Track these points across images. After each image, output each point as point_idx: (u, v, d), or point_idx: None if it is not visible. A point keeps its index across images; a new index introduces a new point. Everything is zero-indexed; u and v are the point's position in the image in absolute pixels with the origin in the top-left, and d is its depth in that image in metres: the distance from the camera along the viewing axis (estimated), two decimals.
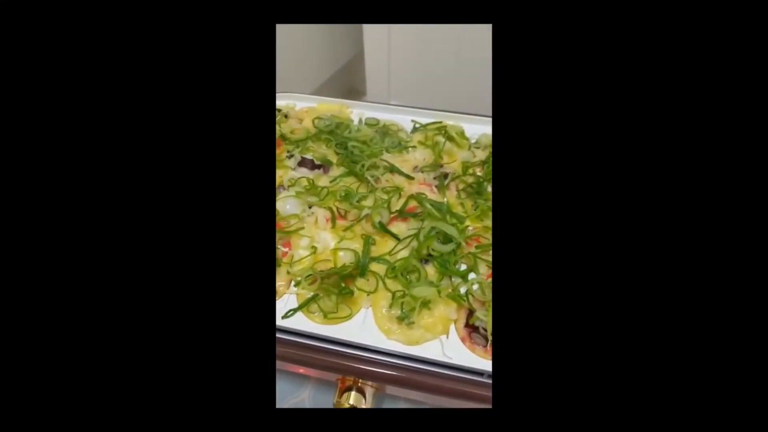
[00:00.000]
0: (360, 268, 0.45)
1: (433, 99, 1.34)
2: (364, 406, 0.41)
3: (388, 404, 0.49)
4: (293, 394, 0.50)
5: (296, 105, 0.66)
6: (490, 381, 0.38)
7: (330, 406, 0.43)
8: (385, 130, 0.60)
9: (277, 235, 0.48)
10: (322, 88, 1.60)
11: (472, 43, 1.12)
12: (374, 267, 0.45)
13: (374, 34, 1.28)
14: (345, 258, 0.46)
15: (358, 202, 0.50)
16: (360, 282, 0.45)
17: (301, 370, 0.47)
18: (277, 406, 0.49)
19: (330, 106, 0.65)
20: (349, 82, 1.77)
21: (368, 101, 1.45)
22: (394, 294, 0.43)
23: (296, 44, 1.38)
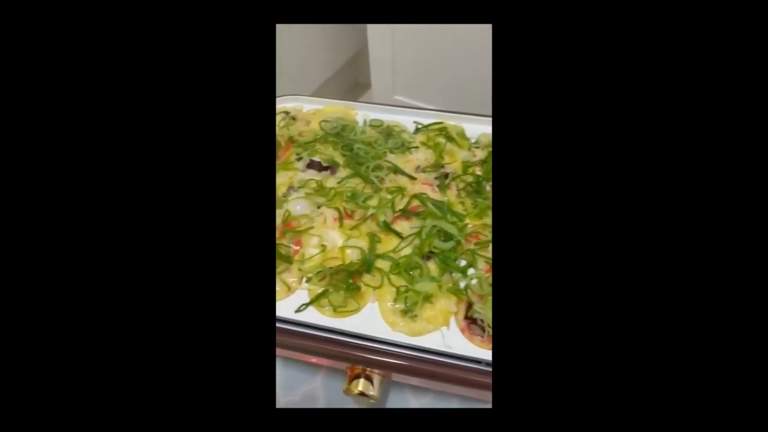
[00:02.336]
0: (366, 265, 0.48)
1: (438, 91, 1.36)
2: (371, 393, 0.45)
3: (394, 390, 0.52)
4: (306, 381, 0.54)
5: (303, 107, 0.69)
6: (488, 369, 0.42)
7: (340, 392, 0.47)
8: (388, 132, 0.63)
9: (289, 235, 0.52)
10: (328, 82, 1.63)
11: (475, 36, 1.14)
12: (379, 264, 0.49)
13: (378, 29, 1.30)
14: (352, 255, 0.50)
15: (363, 202, 0.53)
16: (366, 278, 0.48)
17: (314, 359, 0.51)
18: (291, 393, 0.53)
19: (335, 108, 0.67)
20: (354, 77, 1.79)
21: (373, 95, 1.47)
22: (398, 289, 0.46)
23: (301, 41, 1.40)
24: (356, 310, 0.46)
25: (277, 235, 0.52)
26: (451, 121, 0.63)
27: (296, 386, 0.54)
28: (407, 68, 1.37)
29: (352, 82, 1.82)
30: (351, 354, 0.44)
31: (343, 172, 0.58)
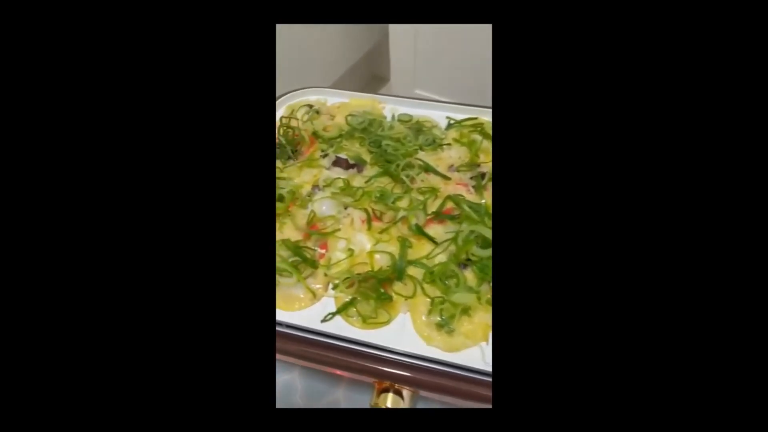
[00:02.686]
0: (397, 272, 0.45)
1: (461, 86, 1.31)
2: (402, 407, 0.41)
3: (422, 404, 0.49)
4: (328, 393, 0.51)
5: (327, 100, 0.65)
6: None
7: (365, 405, 0.43)
8: (418, 127, 0.59)
9: (314, 237, 0.48)
10: (344, 76, 1.59)
11: None
12: (411, 271, 0.45)
13: None
14: (381, 261, 0.46)
15: (393, 203, 0.50)
16: (398, 286, 0.44)
17: (339, 372, 0.48)
18: (312, 405, 0.50)
19: (362, 101, 0.64)
20: (372, 69, 1.74)
21: (392, 89, 1.43)
22: (433, 300, 0.42)
23: (317, 33, 1.36)
24: (387, 322, 0.42)
25: (302, 237, 0.48)
26: (486, 116, 0.59)
27: (318, 397, 0.51)
28: (429, 61, 1.32)
29: (370, 75, 1.78)
30: (382, 370, 0.40)
31: (370, 171, 0.54)
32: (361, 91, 0.65)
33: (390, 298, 0.43)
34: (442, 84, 1.35)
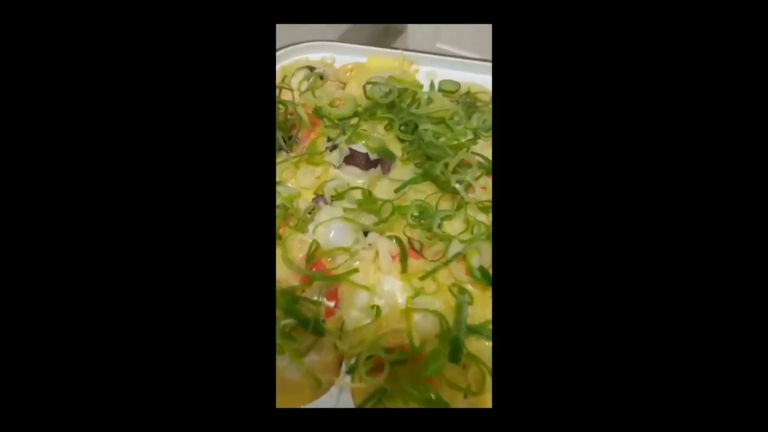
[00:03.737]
0: (451, 347, 0.28)
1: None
2: None
3: None
4: None
5: (335, 59, 0.46)
6: None
7: None
8: (470, 101, 0.41)
9: (317, 283, 0.31)
10: (353, 27, 1.36)
11: None
12: (474, 345, 0.29)
13: None
14: (424, 325, 0.31)
15: (440, 226, 0.33)
16: (452, 372, 0.28)
17: None
18: None
19: (385, 60, 0.45)
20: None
21: (408, 42, 1.21)
22: None
23: None
24: None
25: (299, 281, 0.32)
26: None
27: None
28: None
29: (381, 25, 1.54)
30: None
31: (401, 170, 0.37)
32: (371, 45, 0.46)
33: (444, 404, 0.26)
34: (472, 37, 1.13)
